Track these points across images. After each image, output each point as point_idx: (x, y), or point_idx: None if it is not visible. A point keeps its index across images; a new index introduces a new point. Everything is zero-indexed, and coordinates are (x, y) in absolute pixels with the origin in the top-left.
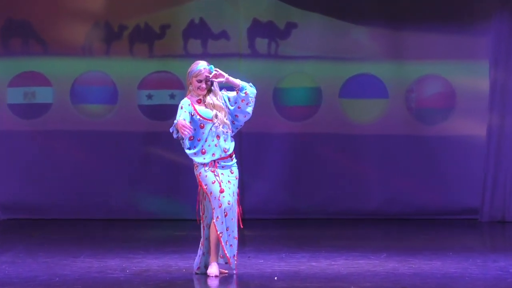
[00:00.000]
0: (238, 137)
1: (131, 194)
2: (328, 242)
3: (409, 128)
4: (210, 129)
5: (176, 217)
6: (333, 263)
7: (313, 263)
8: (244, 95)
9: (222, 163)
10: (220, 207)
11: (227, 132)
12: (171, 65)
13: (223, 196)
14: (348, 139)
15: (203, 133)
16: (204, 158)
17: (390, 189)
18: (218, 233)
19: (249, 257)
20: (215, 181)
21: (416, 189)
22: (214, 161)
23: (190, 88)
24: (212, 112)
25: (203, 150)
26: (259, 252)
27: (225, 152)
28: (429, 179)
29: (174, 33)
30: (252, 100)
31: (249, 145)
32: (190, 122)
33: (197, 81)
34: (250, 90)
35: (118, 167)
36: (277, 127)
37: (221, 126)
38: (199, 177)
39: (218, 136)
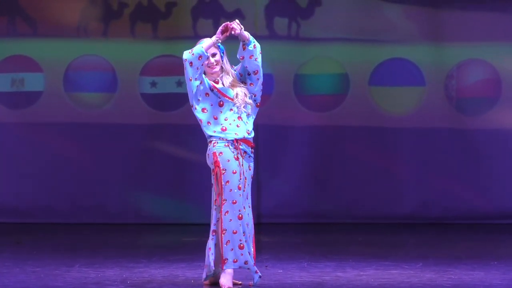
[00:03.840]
0: (253, 129)
1: (132, 195)
2: (356, 249)
3: (448, 120)
4: (231, 109)
5: (183, 221)
6: (361, 273)
7: (339, 273)
8: (252, 48)
9: (244, 147)
10: (234, 203)
11: (249, 114)
12: (178, 48)
13: (240, 195)
14: (379, 133)
15: (221, 111)
16: (226, 134)
17: (427, 190)
18: (222, 229)
19: (266, 266)
20: (236, 172)
21: (456, 190)
22: (238, 141)
23: None
24: (233, 91)
25: (224, 128)
26: (277, 260)
27: (248, 133)
28: (471, 178)
29: (182, 11)
30: (259, 56)
31: (266, 139)
32: (207, 94)
33: None
34: (258, 45)
35: (118, 164)
36: (298, 119)
37: (242, 106)
38: (216, 156)
39: (240, 117)
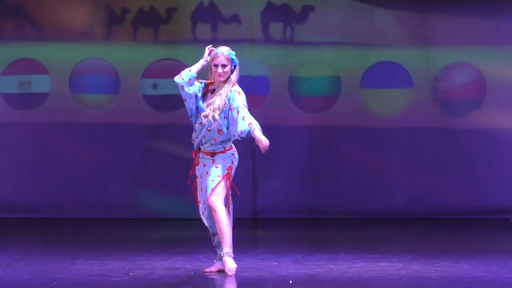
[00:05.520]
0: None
1: (134, 192)
2: (347, 243)
3: (436, 120)
4: (200, 123)
5: (183, 216)
6: (352, 266)
7: (331, 266)
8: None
9: (204, 156)
10: (204, 203)
11: (217, 130)
12: (178, 52)
13: (202, 198)
14: (370, 133)
15: (199, 122)
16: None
17: (415, 187)
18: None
19: (262, 259)
20: (198, 177)
21: (443, 187)
22: (198, 152)
23: (210, 76)
24: (207, 108)
25: (193, 138)
26: (272, 254)
27: (211, 155)
28: (457, 176)
29: (182, 16)
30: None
31: None
32: (196, 95)
33: (213, 65)
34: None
35: (121, 162)
36: (292, 119)
37: (208, 122)
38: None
39: (204, 137)
